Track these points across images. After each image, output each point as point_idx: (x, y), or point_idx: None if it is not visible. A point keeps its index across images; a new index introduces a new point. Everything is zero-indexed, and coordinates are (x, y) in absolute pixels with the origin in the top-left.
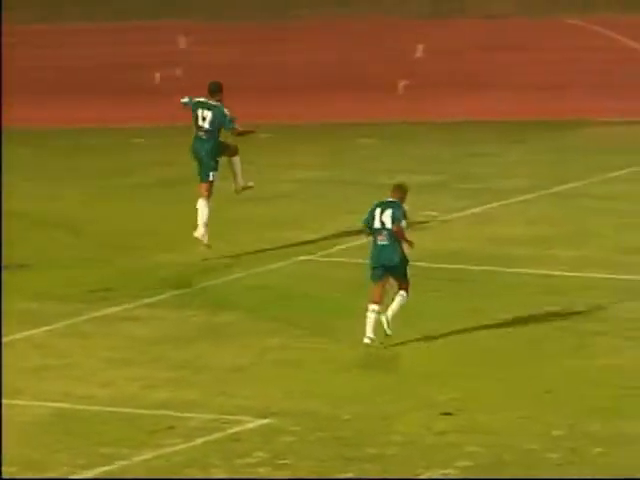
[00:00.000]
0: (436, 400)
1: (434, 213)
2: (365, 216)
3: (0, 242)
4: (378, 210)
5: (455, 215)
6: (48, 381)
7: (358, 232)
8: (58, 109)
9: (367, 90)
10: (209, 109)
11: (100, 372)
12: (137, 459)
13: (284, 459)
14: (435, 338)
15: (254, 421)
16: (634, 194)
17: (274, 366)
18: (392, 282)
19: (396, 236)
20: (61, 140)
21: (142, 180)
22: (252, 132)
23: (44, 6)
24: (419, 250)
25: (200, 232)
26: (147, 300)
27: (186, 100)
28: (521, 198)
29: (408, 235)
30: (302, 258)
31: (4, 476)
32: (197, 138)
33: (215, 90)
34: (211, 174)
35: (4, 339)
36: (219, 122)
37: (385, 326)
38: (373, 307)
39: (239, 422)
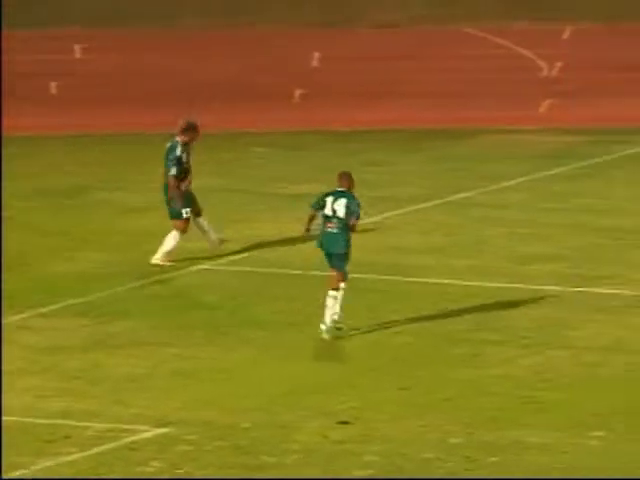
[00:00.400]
0: (334, 409)
1: None
2: (314, 200)
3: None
4: (330, 198)
5: None
6: None
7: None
8: None
9: (263, 99)
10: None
11: None
12: (35, 468)
13: (181, 468)
14: (332, 348)
15: (151, 430)
16: (526, 203)
17: (170, 375)
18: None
19: (346, 226)
20: None
21: (41, 187)
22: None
23: None
24: (315, 259)
25: (159, 258)
26: (42, 310)
27: None
28: (416, 207)
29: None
30: (195, 267)
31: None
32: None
33: (182, 129)
34: (183, 211)
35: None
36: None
37: (337, 328)
38: (333, 293)
39: (136, 431)
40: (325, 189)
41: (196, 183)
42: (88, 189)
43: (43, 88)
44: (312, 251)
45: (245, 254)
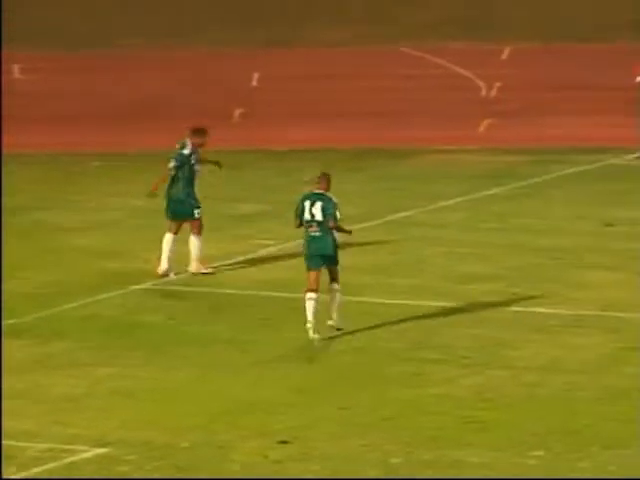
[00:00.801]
0: (274, 428)
1: (267, 241)
2: (295, 207)
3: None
4: (307, 202)
5: (289, 243)
6: None
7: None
8: None
9: (202, 118)
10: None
11: None
12: None
13: None
14: (272, 367)
15: (90, 450)
16: (465, 223)
17: (108, 395)
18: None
19: (328, 228)
20: None
21: None
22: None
23: None
24: (251, 279)
25: (194, 266)
26: None
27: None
28: (358, 226)
29: (344, 224)
30: (133, 287)
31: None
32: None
33: (193, 133)
34: (195, 212)
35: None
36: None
37: (336, 328)
38: (311, 295)
39: (75, 452)
40: (266, 208)
41: (136, 204)
42: (25, 209)
43: None
44: (252, 271)
45: (185, 273)
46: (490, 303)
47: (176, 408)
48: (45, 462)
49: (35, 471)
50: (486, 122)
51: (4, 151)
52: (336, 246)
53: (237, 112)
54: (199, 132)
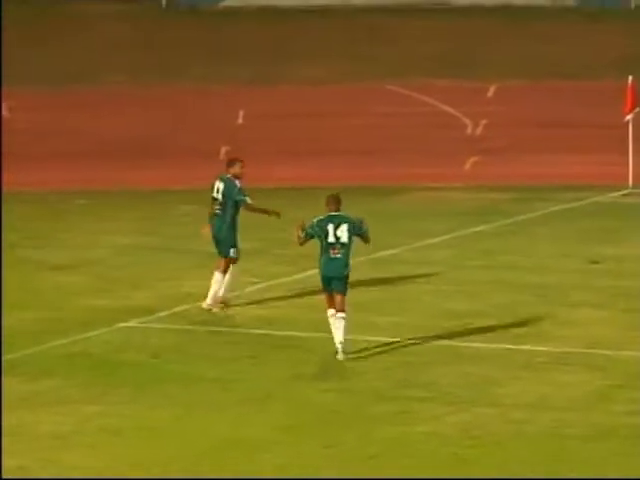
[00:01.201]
0: (258, 467)
1: (255, 279)
2: (311, 230)
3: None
4: (331, 225)
5: (275, 281)
6: None
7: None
8: None
9: (188, 156)
10: (222, 181)
11: None
12: None
13: None
14: (255, 405)
15: None
16: (452, 260)
17: (96, 433)
18: None
19: (349, 250)
20: None
21: None
22: (269, 212)
23: None
24: (240, 317)
25: (209, 302)
26: None
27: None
28: None
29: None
30: (119, 325)
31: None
32: (213, 215)
33: (229, 163)
34: (231, 250)
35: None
36: (229, 194)
37: (341, 356)
38: (332, 312)
39: None
40: (253, 246)
41: (122, 241)
42: (12, 246)
43: None
44: (239, 309)
45: (171, 311)
46: (476, 340)
47: (162, 446)
48: None
49: None
50: (472, 159)
51: None
52: (349, 269)
53: (223, 150)
54: (235, 162)
